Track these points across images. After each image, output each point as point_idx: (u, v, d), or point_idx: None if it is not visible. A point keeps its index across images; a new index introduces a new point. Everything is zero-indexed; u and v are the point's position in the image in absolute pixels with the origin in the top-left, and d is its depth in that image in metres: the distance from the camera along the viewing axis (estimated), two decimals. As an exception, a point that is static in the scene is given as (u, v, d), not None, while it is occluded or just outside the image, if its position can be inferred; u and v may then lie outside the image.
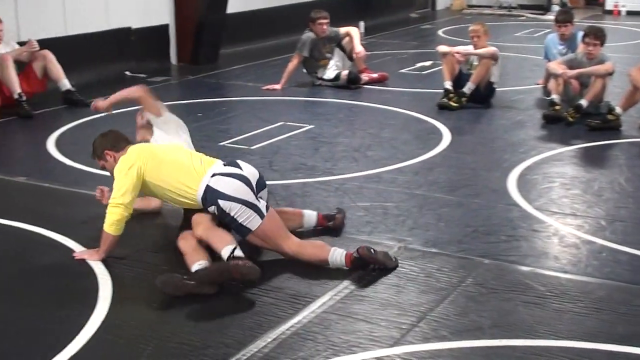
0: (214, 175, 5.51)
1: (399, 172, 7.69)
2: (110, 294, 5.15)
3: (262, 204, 5.51)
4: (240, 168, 5.61)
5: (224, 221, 5.48)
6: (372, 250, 5.47)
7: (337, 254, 5.46)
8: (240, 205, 5.39)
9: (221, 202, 5.40)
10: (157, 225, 6.30)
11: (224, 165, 5.64)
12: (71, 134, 9.15)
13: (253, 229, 5.43)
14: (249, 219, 5.42)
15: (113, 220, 5.51)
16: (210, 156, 5.81)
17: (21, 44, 10.50)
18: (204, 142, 8.61)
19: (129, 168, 5.55)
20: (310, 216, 6.12)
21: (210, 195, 5.45)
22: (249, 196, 5.46)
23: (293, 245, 5.55)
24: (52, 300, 5.16)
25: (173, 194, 5.60)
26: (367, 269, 5.45)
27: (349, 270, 5.40)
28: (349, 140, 8.85)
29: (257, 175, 5.67)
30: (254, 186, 5.54)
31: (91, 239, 5.87)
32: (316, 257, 5.52)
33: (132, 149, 5.73)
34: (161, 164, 5.62)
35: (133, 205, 5.60)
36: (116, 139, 5.85)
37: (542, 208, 6.71)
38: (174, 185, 5.56)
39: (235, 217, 5.40)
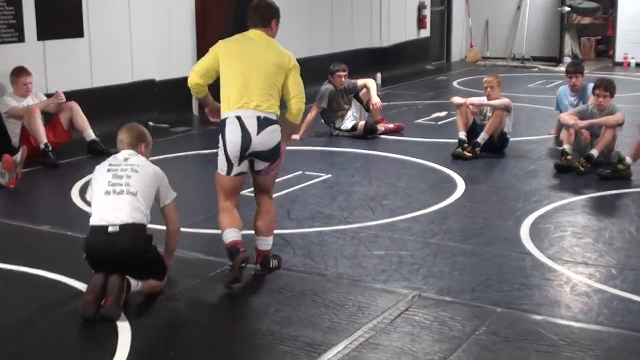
0: (238, 117, 6.04)
1: (414, 221, 7.66)
2: (129, 341, 5.11)
3: (237, 167, 6.11)
4: (253, 135, 6.03)
5: None
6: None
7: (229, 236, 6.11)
8: (222, 152, 6.09)
9: (220, 137, 6.08)
10: (177, 274, 6.26)
11: (248, 118, 6.04)
12: (95, 183, 9.16)
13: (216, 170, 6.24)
14: (219, 164, 6.16)
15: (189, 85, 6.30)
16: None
17: (49, 95, 10.59)
18: (223, 191, 8.64)
19: (211, 50, 6.35)
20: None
21: (221, 127, 6.10)
22: (234, 152, 6.04)
23: (221, 203, 6.24)
24: (72, 346, 5.16)
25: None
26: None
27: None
28: (365, 189, 8.84)
29: (260, 149, 6.07)
30: (247, 152, 6.05)
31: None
32: (220, 225, 6.20)
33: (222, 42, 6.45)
34: (226, 68, 6.21)
35: (201, 78, 6.26)
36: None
37: (554, 257, 6.66)
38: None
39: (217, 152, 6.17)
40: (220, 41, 6.43)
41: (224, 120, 6.07)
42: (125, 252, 5.54)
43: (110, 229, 5.55)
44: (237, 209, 6.27)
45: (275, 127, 6.12)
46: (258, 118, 6.02)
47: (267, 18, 6.35)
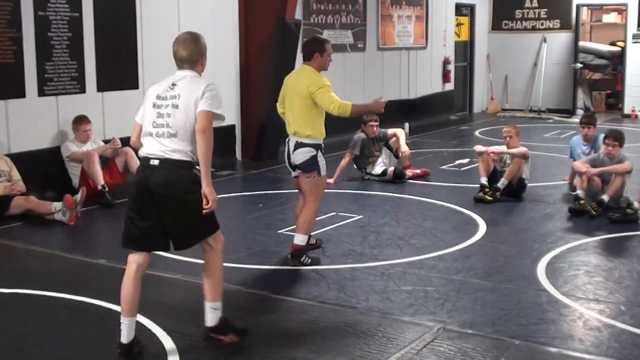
0: (288, 140, 7.44)
1: (439, 259, 7.66)
2: (178, 366, 5.16)
3: (293, 173, 7.46)
4: (291, 152, 7.37)
5: None
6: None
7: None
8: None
9: None
10: (235, 307, 6.31)
11: (290, 141, 7.40)
12: (147, 221, 9.24)
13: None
14: None
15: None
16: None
17: (106, 141, 10.74)
18: (263, 230, 8.70)
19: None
20: None
21: None
22: (286, 163, 7.52)
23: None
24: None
25: None
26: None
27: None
28: (394, 230, 8.85)
29: (296, 163, 7.34)
30: (290, 164, 7.43)
31: (163, 317, 5.92)
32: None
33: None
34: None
35: (279, 106, 7.66)
36: None
37: (568, 293, 6.64)
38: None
39: None
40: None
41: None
42: (163, 186, 5.11)
43: (151, 162, 5.16)
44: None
45: (304, 150, 7.28)
46: (295, 142, 7.31)
47: (308, 52, 7.43)
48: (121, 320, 5.28)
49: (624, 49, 20.70)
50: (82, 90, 10.92)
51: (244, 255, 7.72)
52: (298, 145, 7.30)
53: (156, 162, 5.13)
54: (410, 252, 7.92)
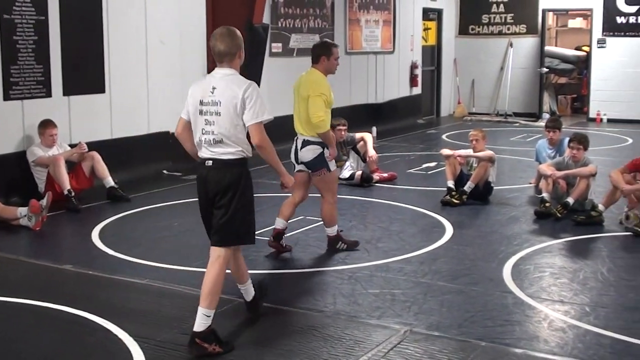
0: (296, 138, 7.82)
1: (406, 262, 7.69)
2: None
3: (297, 167, 7.83)
4: (298, 150, 7.74)
5: None
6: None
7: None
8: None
9: None
10: (187, 310, 6.29)
11: (297, 139, 7.81)
12: (113, 226, 9.22)
13: None
14: None
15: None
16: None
17: (72, 146, 10.67)
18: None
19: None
20: None
21: None
22: (292, 159, 7.85)
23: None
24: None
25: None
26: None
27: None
28: (361, 233, 8.86)
29: (304, 160, 7.72)
30: (297, 160, 7.80)
31: (130, 323, 5.90)
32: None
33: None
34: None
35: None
36: None
37: (534, 295, 6.69)
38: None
39: None
40: None
41: None
42: (216, 184, 5.49)
43: (206, 163, 5.54)
44: (296, 204, 8.01)
45: (311, 147, 7.64)
46: (302, 140, 7.69)
47: (315, 56, 7.84)
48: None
49: (589, 54, 20.89)
50: (48, 94, 10.84)
51: (212, 260, 7.70)
52: (305, 143, 7.68)
53: (210, 162, 5.53)
54: (378, 255, 7.94)
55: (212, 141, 5.47)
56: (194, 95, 5.58)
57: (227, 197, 5.47)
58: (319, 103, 7.55)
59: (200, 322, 5.45)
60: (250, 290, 6.10)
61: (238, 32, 5.65)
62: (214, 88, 5.47)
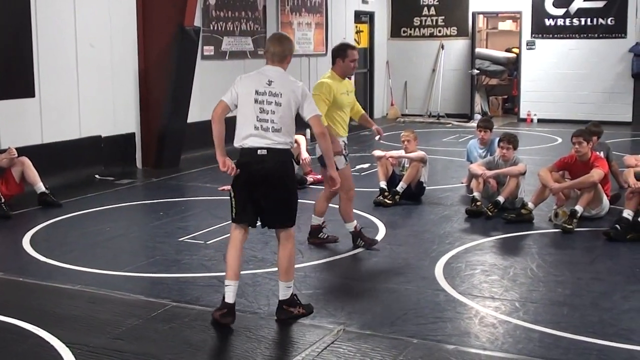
0: None
1: (340, 263, 7.75)
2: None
3: None
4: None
5: None
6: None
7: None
8: None
9: None
10: (121, 315, 6.25)
11: None
12: (45, 232, 9.09)
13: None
14: None
15: None
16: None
17: (1, 151, 10.50)
18: (164, 239, 8.65)
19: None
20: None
21: None
22: None
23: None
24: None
25: None
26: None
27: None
28: (295, 235, 8.84)
29: None
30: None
31: (62, 329, 5.84)
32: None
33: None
34: None
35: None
36: None
37: (465, 292, 6.79)
38: None
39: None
40: None
41: None
42: (272, 172, 5.92)
43: (259, 151, 5.89)
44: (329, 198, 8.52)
45: None
46: None
47: (333, 58, 8.15)
48: (226, 283, 6.06)
49: (519, 55, 21.24)
50: (-25, 99, 10.67)
51: (145, 264, 7.67)
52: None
53: (264, 151, 5.90)
54: (311, 256, 7.98)
55: (271, 129, 5.89)
56: (246, 85, 5.99)
57: (283, 184, 6.03)
58: (318, 102, 7.39)
59: (284, 293, 6.12)
60: (234, 292, 6.14)
61: (291, 38, 6.39)
62: (270, 81, 5.95)
